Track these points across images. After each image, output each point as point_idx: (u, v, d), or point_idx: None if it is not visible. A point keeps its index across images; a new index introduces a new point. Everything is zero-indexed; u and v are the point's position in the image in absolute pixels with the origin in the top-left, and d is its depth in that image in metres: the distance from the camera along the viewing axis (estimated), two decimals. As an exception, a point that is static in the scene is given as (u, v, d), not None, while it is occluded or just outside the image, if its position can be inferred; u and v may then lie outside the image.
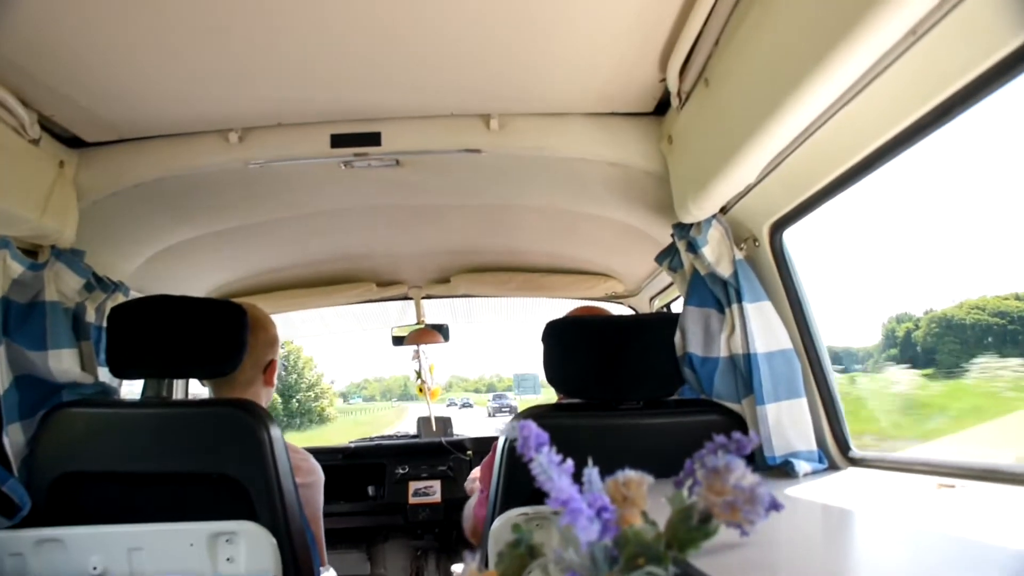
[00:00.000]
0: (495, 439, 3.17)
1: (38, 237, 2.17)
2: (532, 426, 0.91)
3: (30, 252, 2.20)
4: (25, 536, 1.93)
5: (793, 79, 1.46)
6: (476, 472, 3.15)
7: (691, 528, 0.88)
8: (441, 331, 4.22)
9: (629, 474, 0.96)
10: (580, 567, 0.90)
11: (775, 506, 0.92)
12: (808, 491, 1.75)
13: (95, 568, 1.93)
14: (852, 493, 1.78)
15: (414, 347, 4.40)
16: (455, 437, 4.25)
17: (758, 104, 1.62)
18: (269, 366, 2.48)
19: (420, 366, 4.50)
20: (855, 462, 2.05)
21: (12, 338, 2.11)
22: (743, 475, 0.85)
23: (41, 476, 2.03)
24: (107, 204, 2.35)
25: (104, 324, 2.44)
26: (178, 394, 3.52)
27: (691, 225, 2.21)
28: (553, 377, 2.20)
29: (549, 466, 0.87)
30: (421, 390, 4.56)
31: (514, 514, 1.91)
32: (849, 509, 1.51)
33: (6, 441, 2.07)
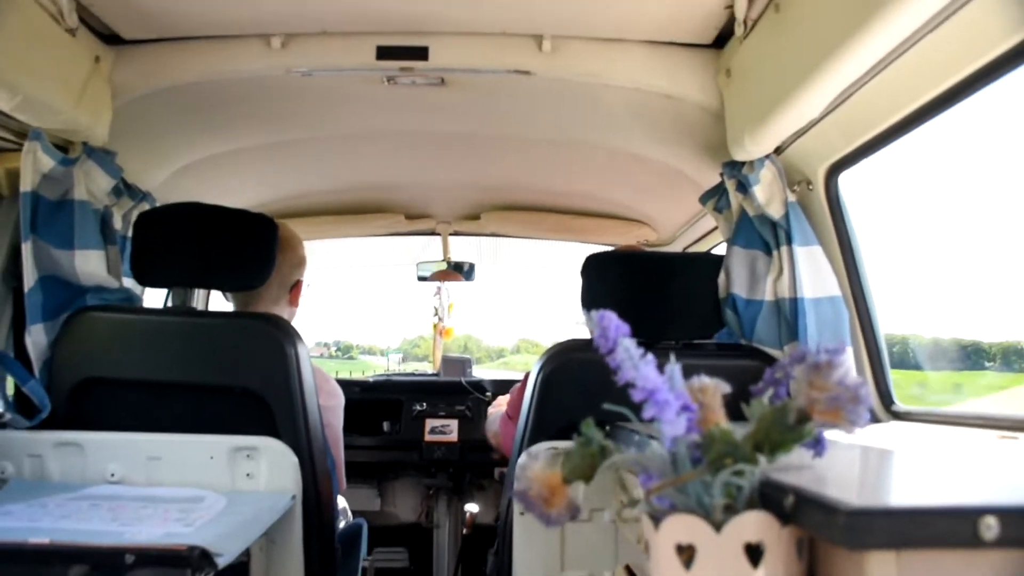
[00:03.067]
0: (516, 381, 3.14)
1: (70, 132, 2.11)
2: (612, 316, 0.85)
3: (62, 148, 2.14)
4: (44, 438, 1.90)
5: (872, 4, 1.39)
6: (502, 398, 3.12)
7: (786, 428, 0.83)
8: (463, 269, 4.17)
9: (705, 380, 0.91)
10: (658, 467, 0.84)
11: (867, 422, 0.86)
12: (853, 439, 1.70)
13: (113, 475, 1.90)
14: (901, 441, 1.73)
15: (437, 284, 4.36)
16: (474, 378, 4.21)
17: (831, 32, 1.55)
18: (295, 286, 2.45)
19: (440, 303, 4.46)
20: (898, 415, 2.00)
21: (40, 235, 2.07)
22: (846, 372, 0.79)
23: (62, 379, 2.00)
24: (140, 106, 2.29)
25: (129, 233, 2.40)
26: (200, 308, 3.49)
27: (743, 164, 2.15)
28: (590, 311, 2.15)
29: (635, 355, 0.81)
30: (435, 328, 4.52)
31: (543, 447, 1.88)
32: (906, 451, 1.46)
33: (29, 342, 2.03)
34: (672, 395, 0.83)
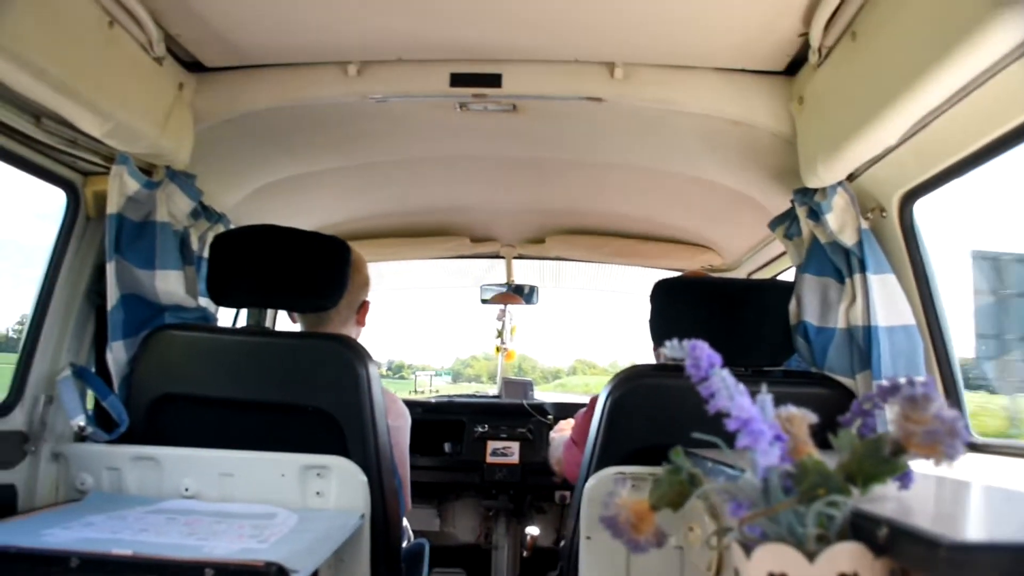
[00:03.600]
0: (580, 405, 3.14)
1: (154, 156, 2.17)
2: (704, 346, 0.86)
3: (145, 171, 2.20)
4: (122, 452, 1.96)
5: (953, 35, 1.39)
6: (563, 422, 3.12)
7: (880, 460, 0.83)
8: (524, 293, 4.18)
9: (792, 410, 0.91)
10: (747, 495, 0.85)
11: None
12: (932, 470, 1.67)
13: (187, 489, 1.95)
14: (981, 474, 1.70)
15: (500, 306, 4.38)
16: (536, 400, 4.21)
17: (908, 61, 1.55)
18: (362, 306, 2.49)
19: (503, 326, 4.47)
20: (976, 448, 1.96)
21: (123, 255, 2.13)
22: (943, 406, 0.79)
23: (140, 395, 2.06)
24: (219, 131, 2.35)
25: (205, 254, 2.46)
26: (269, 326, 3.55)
27: (815, 191, 2.13)
28: (660, 337, 2.14)
29: (731, 384, 0.82)
30: (498, 350, 4.53)
31: (611, 472, 1.87)
32: (971, 482, 1.43)
33: (110, 358, 2.09)
34: (766, 425, 0.83)
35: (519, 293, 4.22)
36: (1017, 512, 1.03)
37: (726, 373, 0.83)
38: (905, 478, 0.95)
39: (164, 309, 2.21)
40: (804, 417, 0.92)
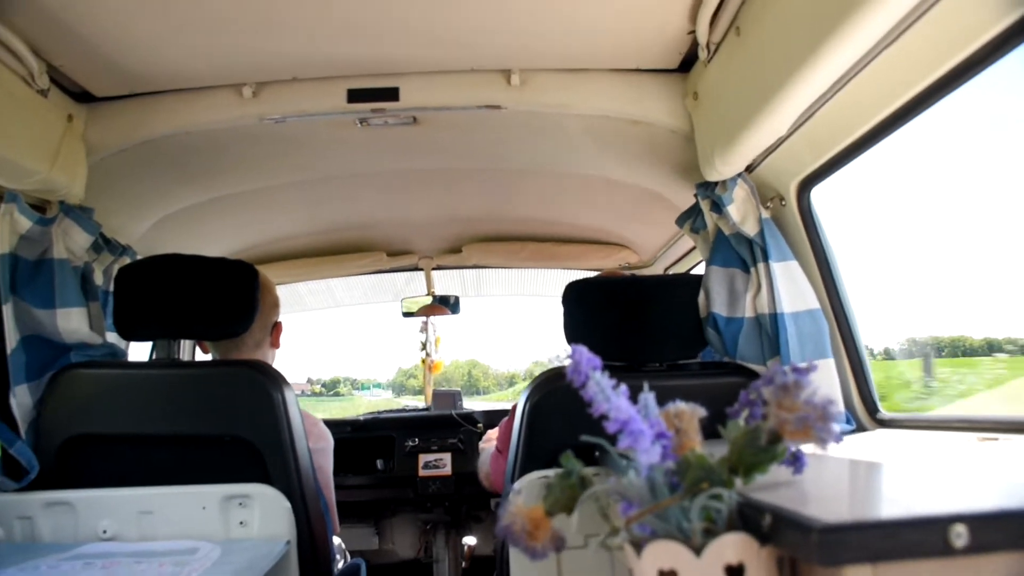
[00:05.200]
0: (507, 412, 3.14)
1: (46, 192, 2.12)
2: (583, 350, 0.87)
3: (38, 208, 2.15)
4: (34, 499, 1.90)
5: (830, 23, 1.42)
6: (491, 432, 3.12)
7: (758, 450, 0.84)
8: (449, 303, 4.18)
9: (681, 406, 0.93)
10: (636, 494, 0.86)
11: (840, 436, 0.88)
12: (838, 450, 1.71)
13: (105, 531, 1.90)
14: (885, 449, 1.74)
15: (423, 319, 4.36)
16: (465, 410, 4.21)
17: (792, 52, 1.58)
18: (275, 327, 2.46)
19: (427, 338, 4.46)
20: (884, 423, 2.01)
21: (20, 296, 2.07)
22: (814, 391, 0.81)
23: (49, 438, 1.99)
24: (116, 161, 2.30)
25: (111, 288, 2.40)
26: (185, 358, 3.48)
27: (716, 184, 2.18)
28: (574, 339, 2.15)
29: (606, 387, 0.83)
30: (424, 362, 4.52)
31: (535, 477, 1.87)
32: (885, 461, 1.47)
33: (13, 403, 2.02)
34: (647, 424, 0.84)
35: (444, 304, 4.21)
36: (901, 489, 1.06)
37: (601, 376, 0.84)
38: (797, 463, 0.97)
39: (69, 348, 2.14)
40: (694, 412, 0.93)
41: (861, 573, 0.76)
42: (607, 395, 0.83)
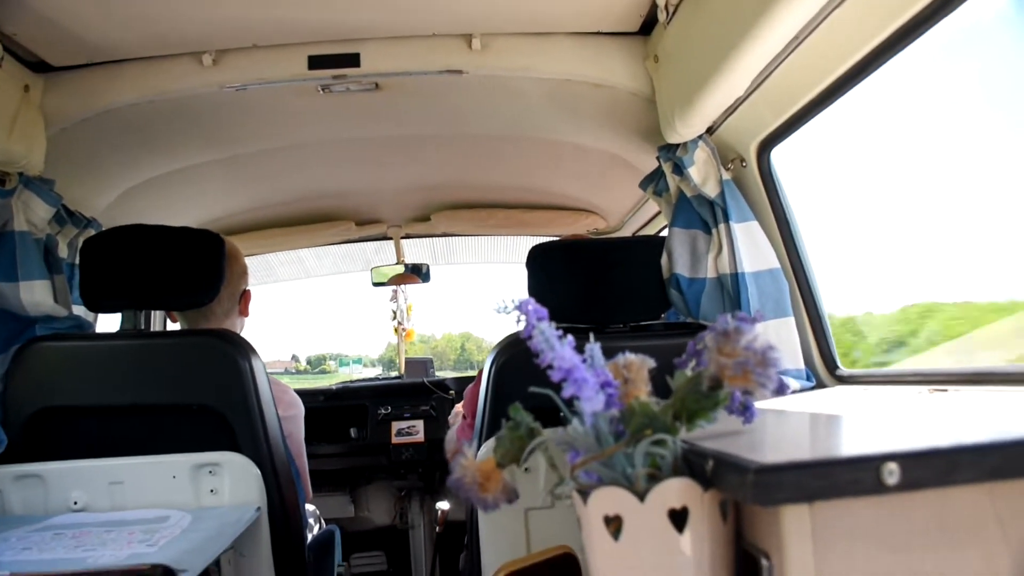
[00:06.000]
0: (479, 373, 3.16)
1: (3, 163, 2.10)
2: (531, 301, 0.88)
3: (-4, 181, 2.13)
4: (3, 472, 1.89)
5: None
6: (459, 406, 3.14)
7: (700, 396, 0.86)
8: (420, 272, 4.17)
9: (630, 356, 0.94)
10: (583, 443, 0.87)
11: (783, 388, 0.90)
12: (795, 404, 1.74)
13: (76, 503, 1.90)
14: (841, 404, 1.78)
15: (393, 288, 4.36)
16: (436, 377, 4.23)
17: (747, 11, 1.60)
18: (243, 296, 2.45)
19: (398, 307, 4.46)
20: (843, 379, 2.05)
21: None
22: (754, 338, 0.82)
23: (17, 412, 1.98)
24: (76, 132, 2.28)
25: (76, 260, 2.39)
26: (157, 328, 3.47)
27: (677, 147, 2.19)
28: (539, 301, 2.16)
29: (551, 337, 0.84)
30: (397, 331, 4.53)
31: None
32: (837, 413, 1.50)
33: None
34: (591, 373, 0.86)
35: (415, 272, 4.20)
36: (844, 435, 1.08)
37: (546, 326, 0.85)
38: (747, 412, 0.99)
39: (34, 321, 2.13)
40: (643, 363, 0.94)
41: (798, 512, 0.78)
42: (551, 344, 0.84)
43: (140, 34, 2.09)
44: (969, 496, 0.80)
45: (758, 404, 0.95)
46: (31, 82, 2.15)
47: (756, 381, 0.83)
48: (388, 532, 4.14)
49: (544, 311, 0.87)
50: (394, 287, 4.39)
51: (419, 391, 4.05)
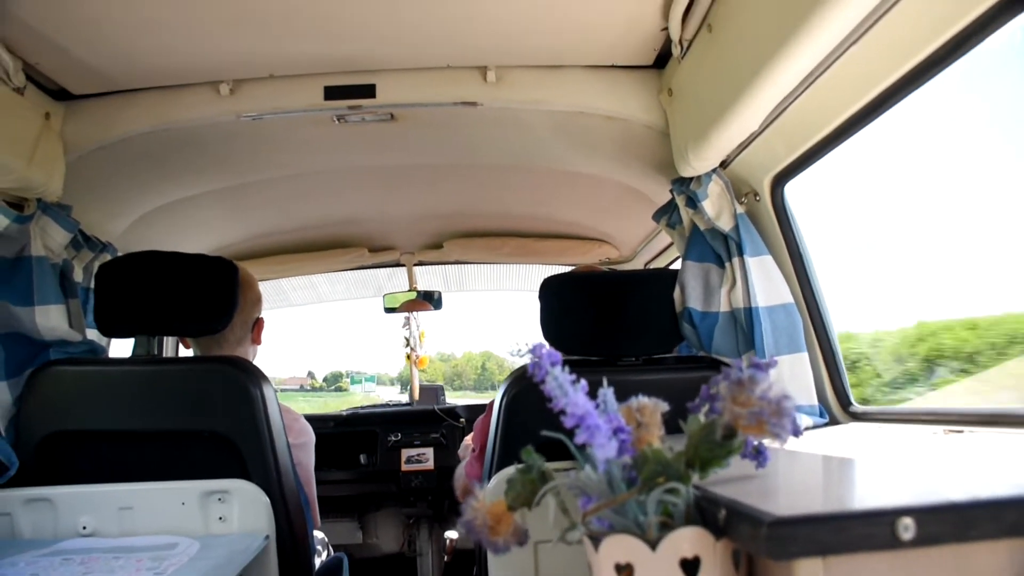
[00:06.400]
0: (488, 404, 3.15)
1: (23, 189, 2.12)
2: (545, 345, 0.88)
3: (15, 205, 2.14)
4: (13, 496, 1.89)
5: (798, 19, 1.44)
6: (468, 439, 3.12)
7: (714, 444, 0.85)
8: (433, 299, 4.17)
9: (643, 400, 0.94)
10: (595, 489, 0.87)
11: (797, 431, 0.89)
12: (809, 444, 1.73)
13: (85, 528, 1.90)
14: (855, 443, 1.77)
15: (405, 315, 4.37)
16: (447, 405, 4.22)
17: (761, 48, 1.60)
18: (256, 324, 2.46)
19: (410, 333, 4.46)
20: (856, 416, 2.04)
21: None
22: (769, 387, 0.82)
23: (29, 435, 1.99)
24: (94, 159, 2.30)
25: (92, 285, 2.40)
26: (168, 355, 3.48)
27: (691, 180, 2.19)
28: (550, 334, 2.16)
29: (564, 382, 0.84)
30: (409, 358, 4.52)
31: (512, 471, 1.88)
32: (851, 456, 1.49)
33: None
34: (604, 419, 0.85)
35: (427, 299, 4.21)
36: (851, 482, 1.07)
37: (559, 371, 0.85)
38: (760, 457, 0.98)
39: (48, 345, 2.14)
40: (655, 407, 0.94)
41: (812, 566, 0.78)
42: (564, 390, 0.84)
43: (159, 64, 2.11)
44: (987, 552, 0.79)
45: (774, 443, 0.95)
46: (52, 110, 2.17)
47: (771, 432, 0.82)
48: (396, 560, 4.13)
49: (558, 355, 0.87)
50: (407, 314, 4.39)
51: (429, 418, 4.05)
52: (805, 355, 2.07)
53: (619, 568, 0.84)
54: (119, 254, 2.62)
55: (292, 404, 2.62)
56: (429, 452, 3.89)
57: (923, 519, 0.75)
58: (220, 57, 2.09)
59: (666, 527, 0.84)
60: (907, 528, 0.75)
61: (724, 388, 0.86)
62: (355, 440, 4.00)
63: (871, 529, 0.75)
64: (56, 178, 2.18)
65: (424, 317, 4.59)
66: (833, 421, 2.07)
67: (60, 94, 2.21)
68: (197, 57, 2.09)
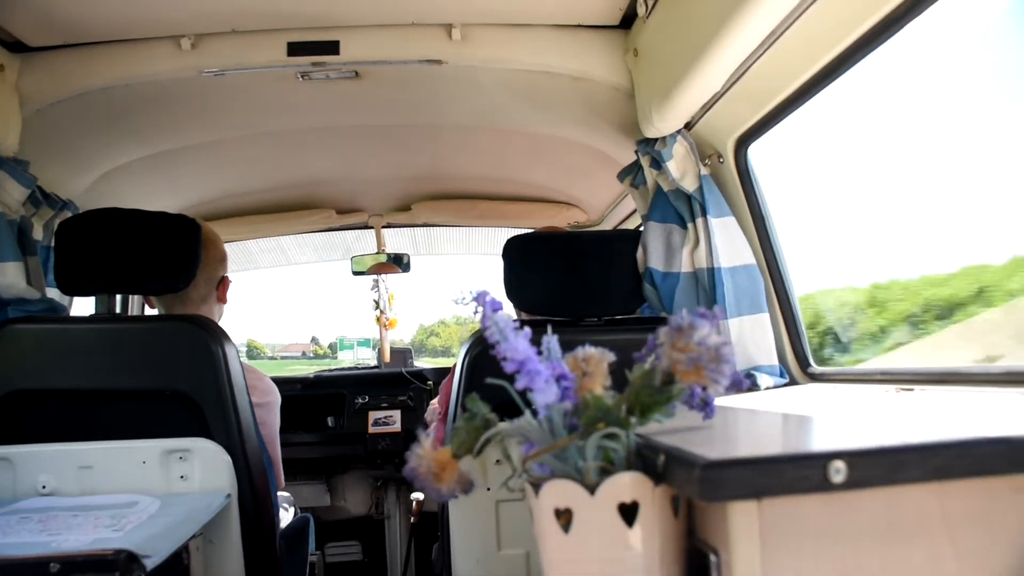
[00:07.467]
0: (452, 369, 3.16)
1: None
2: (487, 293, 0.88)
3: (-31, 160, 2.11)
4: None
5: None
6: (435, 402, 3.13)
7: (653, 390, 0.86)
8: (401, 262, 4.16)
9: (589, 350, 0.94)
10: (536, 435, 0.87)
11: (739, 383, 0.90)
12: (765, 402, 1.75)
13: (44, 487, 1.89)
14: (809, 402, 1.79)
15: (374, 277, 4.35)
16: (415, 368, 4.23)
17: (723, 7, 1.60)
18: (221, 282, 2.44)
19: (379, 296, 4.45)
20: (815, 377, 2.06)
21: None
22: (708, 334, 0.82)
23: None
24: (53, 114, 2.26)
25: (52, 243, 2.37)
26: (134, 312, 3.45)
27: (655, 140, 2.19)
28: (514, 294, 2.17)
29: (505, 327, 0.84)
30: (379, 320, 4.52)
31: (460, 420, 1.89)
32: (808, 412, 1.51)
33: None
34: (546, 365, 0.86)
35: (395, 262, 4.19)
36: (791, 432, 1.09)
37: (500, 318, 0.85)
38: (707, 408, 0.99)
39: (6, 303, 2.13)
40: (602, 356, 0.94)
41: (746, 509, 0.79)
42: (505, 335, 0.84)
43: (118, 16, 2.07)
44: (916, 495, 0.81)
45: (728, 401, 0.95)
46: (7, 62, 2.13)
47: (708, 377, 0.83)
48: (364, 522, 4.14)
49: (500, 303, 0.87)
50: (375, 276, 4.37)
51: (397, 381, 4.05)
52: (766, 316, 2.08)
53: (558, 513, 0.84)
54: (81, 212, 2.59)
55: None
56: (396, 415, 3.90)
57: (854, 462, 0.76)
58: (181, 9, 2.06)
59: (606, 473, 0.84)
60: (838, 471, 0.76)
61: (664, 334, 0.86)
62: (322, 402, 4.00)
63: (804, 472, 0.76)
64: (12, 132, 2.14)
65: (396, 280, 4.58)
66: (792, 382, 2.09)
67: (16, 46, 2.16)
68: (157, 9, 2.05)
